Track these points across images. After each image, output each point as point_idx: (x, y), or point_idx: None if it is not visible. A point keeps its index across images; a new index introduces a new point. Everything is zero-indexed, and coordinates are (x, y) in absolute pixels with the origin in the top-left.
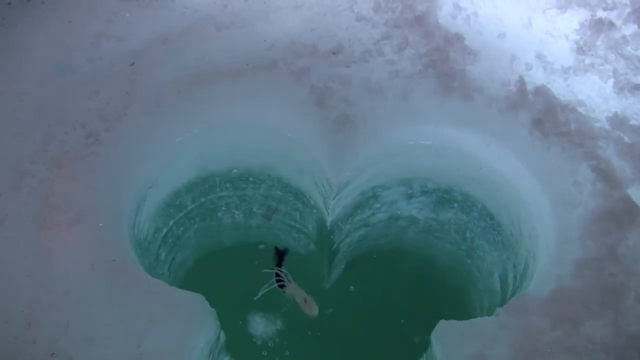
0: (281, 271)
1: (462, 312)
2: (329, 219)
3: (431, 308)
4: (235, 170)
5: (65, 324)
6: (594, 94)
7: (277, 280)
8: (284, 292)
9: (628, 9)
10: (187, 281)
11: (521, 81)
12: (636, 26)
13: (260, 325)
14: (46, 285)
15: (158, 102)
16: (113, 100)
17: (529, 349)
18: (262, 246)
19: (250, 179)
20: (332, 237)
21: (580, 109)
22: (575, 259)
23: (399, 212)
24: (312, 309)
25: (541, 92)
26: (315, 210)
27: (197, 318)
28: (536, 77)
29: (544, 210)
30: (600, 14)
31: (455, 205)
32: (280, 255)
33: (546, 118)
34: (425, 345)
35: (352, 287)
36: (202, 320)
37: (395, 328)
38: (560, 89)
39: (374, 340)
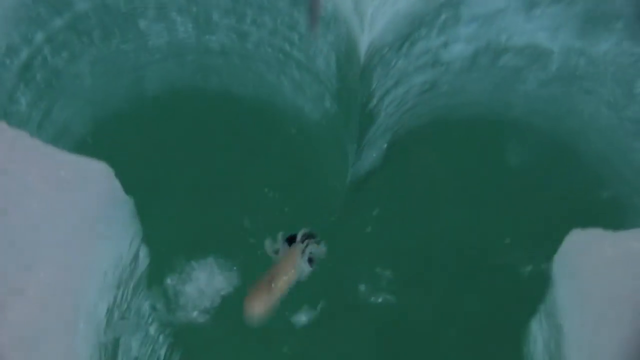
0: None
1: None
2: (364, 39)
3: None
4: None
5: None
6: None
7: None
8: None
9: None
10: None
11: None
12: None
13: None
14: None
15: None
16: None
17: None
18: None
19: None
20: (370, 81)
21: None
22: None
23: (502, 36)
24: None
25: None
26: (334, 24)
27: (99, 208)
28: None
29: None
30: None
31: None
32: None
33: None
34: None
35: (398, 187)
36: (109, 213)
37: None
38: None
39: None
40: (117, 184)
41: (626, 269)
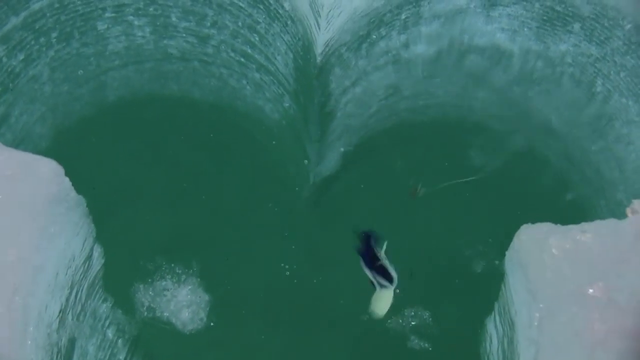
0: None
1: None
2: (319, 38)
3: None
4: None
5: None
6: None
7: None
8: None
9: None
10: None
11: None
12: None
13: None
14: None
15: None
16: None
17: None
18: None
19: None
20: (327, 81)
21: None
22: None
23: (464, 36)
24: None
25: None
26: (291, 23)
27: (47, 205)
28: None
29: None
30: None
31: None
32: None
33: None
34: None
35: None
36: (59, 212)
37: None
38: None
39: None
40: (67, 183)
41: (572, 263)
